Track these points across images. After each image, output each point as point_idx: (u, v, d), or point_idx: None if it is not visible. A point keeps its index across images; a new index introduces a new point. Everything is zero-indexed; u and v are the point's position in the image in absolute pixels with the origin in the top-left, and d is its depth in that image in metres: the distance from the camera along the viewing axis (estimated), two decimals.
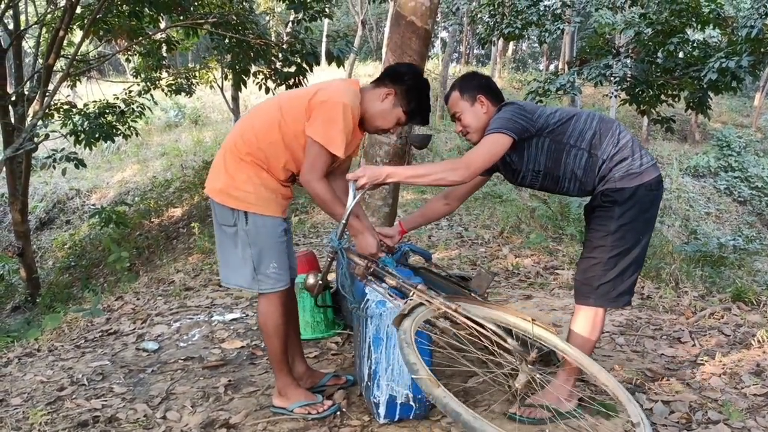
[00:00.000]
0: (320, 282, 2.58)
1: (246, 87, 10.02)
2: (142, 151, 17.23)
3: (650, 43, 9.30)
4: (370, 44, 33.14)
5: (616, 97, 11.40)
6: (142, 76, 11.12)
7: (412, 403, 2.42)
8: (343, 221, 2.33)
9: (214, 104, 20.68)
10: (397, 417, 2.43)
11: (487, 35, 13.15)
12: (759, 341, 3.20)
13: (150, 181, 15.10)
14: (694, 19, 10.11)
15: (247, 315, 4.17)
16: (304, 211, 9.32)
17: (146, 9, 8.52)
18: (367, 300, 2.46)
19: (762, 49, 8.39)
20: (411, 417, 2.44)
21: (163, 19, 10.54)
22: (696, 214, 18.47)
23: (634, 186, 2.34)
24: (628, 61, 9.72)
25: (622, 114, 21.93)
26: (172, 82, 12.07)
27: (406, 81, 2.46)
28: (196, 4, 9.33)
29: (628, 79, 9.57)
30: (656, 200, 2.42)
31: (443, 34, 34.50)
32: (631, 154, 2.39)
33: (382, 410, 2.41)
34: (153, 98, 10.96)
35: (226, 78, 12.87)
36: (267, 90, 9.37)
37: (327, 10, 10.68)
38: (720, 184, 21.08)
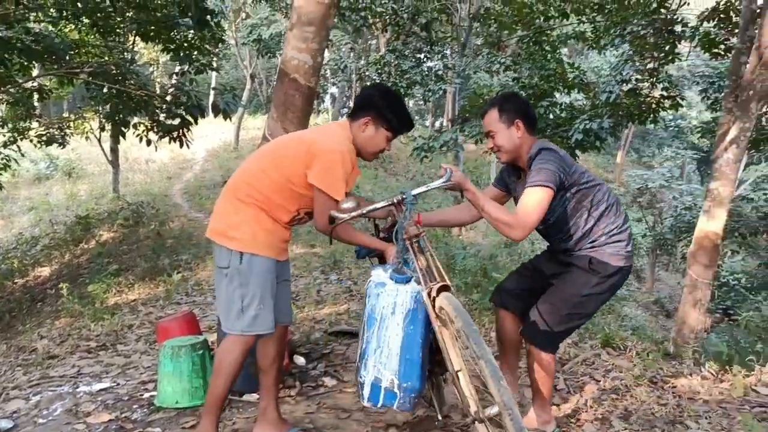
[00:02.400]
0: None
1: (125, 139, 9.59)
2: (7, 205, 15.91)
3: None
4: (260, 97, 33.10)
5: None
6: (9, 126, 10.36)
7: (396, 390, 2.34)
8: (425, 189, 2.49)
9: (91, 156, 19.66)
10: (380, 403, 2.37)
11: None
12: (626, 386, 3.39)
13: (15, 238, 13.89)
14: (561, 84, 11.03)
15: (118, 384, 3.85)
16: (187, 268, 8.91)
17: (15, 57, 8.01)
18: (370, 279, 2.50)
19: (620, 112, 9.27)
20: (394, 407, 2.38)
21: (35, 67, 9.95)
22: None
23: (617, 266, 2.56)
24: None
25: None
26: (43, 132, 11.34)
27: (375, 104, 2.59)
28: (72, 52, 8.91)
29: None
30: (621, 285, 2.68)
31: (333, 89, 35.20)
32: (626, 239, 2.61)
33: (366, 391, 2.37)
34: (20, 149, 10.20)
35: (103, 129, 12.27)
36: (148, 142, 9.02)
37: (214, 63, 10.60)
38: None
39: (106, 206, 14.90)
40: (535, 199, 2.40)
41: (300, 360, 3.87)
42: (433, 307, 2.29)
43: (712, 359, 4.01)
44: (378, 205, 2.49)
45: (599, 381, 3.52)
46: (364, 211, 2.45)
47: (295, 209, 2.57)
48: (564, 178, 2.50)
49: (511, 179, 2.82)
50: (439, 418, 2.72)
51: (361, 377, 2.40)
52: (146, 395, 3.52)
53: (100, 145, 14.88)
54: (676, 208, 19.73)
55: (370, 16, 13.94)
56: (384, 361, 2.35)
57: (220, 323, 3.41)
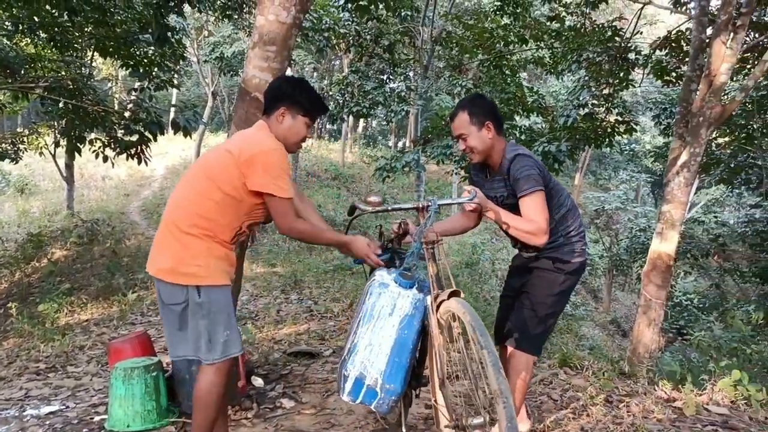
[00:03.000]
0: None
1: (81, 155, 9.37)
2: None
3: None
4: (221, 115, 32.81)
5: (456, 174, 12.19)
6: None
7: (378, 390, 2.35)
8: (450, 202, 2.69)
9: (45, 172, 19.14)
10: (359, 399, 2.39)
11: (338, 112, 13.60)
12: (582, 405, 3.43)
13: None
14: (520, 107, 11.27)
15: (67, 407, 3.71)
16: (143, 287, 8.70)
17: None
18: (373, 277, 2.53)
19: (577, 136, 9.51)
20: (372, 406, 2.40)
21: None
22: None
23: (579, 262, 2.80)
24: None
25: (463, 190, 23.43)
26: None
27: (286, 93, 2.58)
28: (27, 66, 8.70)
29: (467, 158, 10.29)
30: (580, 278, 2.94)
31: None
32: (582, 239, 2.84)
33: (348, 385, 2.38)
34: None
35: (58, 145, 11.97)
36: (105, 158, 8.82)
37: (174, 80, 10.49)
38: None
39: (59, 223, 14.48)
40: (536, 204, 2.61)
41: (258, 381, 3.80)
42: (436, 313, 2.36)
43: (666, 378, 4.09)
44: (404, 206, 2.66)
45: (557, 400, 3.56)
46: (389, 208, 2.63)
47: (239, 224, 2.50)
48: (543, 180, 2.67)
49: (479, 177, 2.95)
50: (403, 430, 2.74)
51: (346, 370, 2.40)
52: (96, 419, 3.41)
53: (55, 161, 14.50)
54: (631, 229, 20.25)
55: (333, 37, 14.03)
56: (372, 359, 2.37)
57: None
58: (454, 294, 2.31)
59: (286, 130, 2.58)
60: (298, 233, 2.54)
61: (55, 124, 11.53)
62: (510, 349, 2.83)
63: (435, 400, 2.47)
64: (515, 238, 2.83)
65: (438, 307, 2.35)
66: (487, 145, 2.72)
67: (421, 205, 2.55)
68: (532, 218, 2.60)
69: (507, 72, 11.61)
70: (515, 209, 2.70)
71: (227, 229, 2.48)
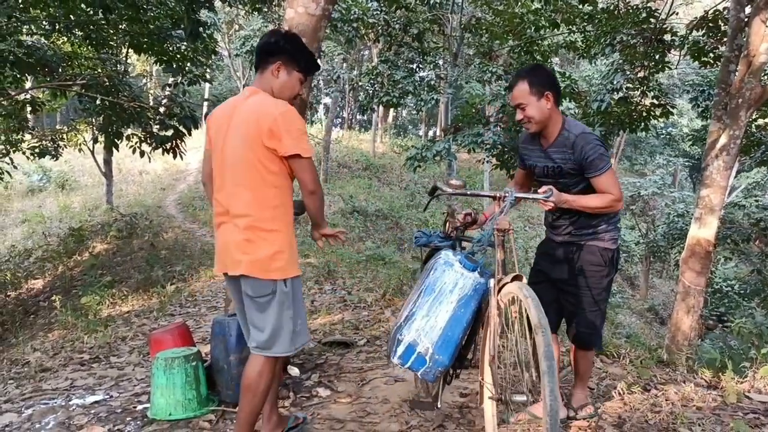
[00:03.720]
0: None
1: (118, 150, 9.59)
2: None
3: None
4: None
5: (488, 162, 12.09)
6: (2, 138, 10.34)
7: (428, 358, 2.49)
8: (527, 196, 2.66)
9: (84, 167, 19.62)
10: (408, 364, 2.52)
11: (368, 102, 13.59)
12: (619, 393, 3.39)
13: (7, 251, 13.81)
14: None
15: (111, 396, 3.83)
16: (181, 279, 8.89)
17: (7, 69, 8.01)
18: (439, 254, 2.69)
19: (612, 121, 9.33)
20: (419, 373, 2.53)
21: (27, 79, 9.95)
22: None
23: (615, 248, 2.88)
24: (498, 130, 10.39)
25: (495, 177, 23.30)
26: (36, 144, 11.31)
27: (283, 48, 2.57)
28: (64, 64, 8.91)
29: (498, 146, 10.21)
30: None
31: (326, 100, 35.32)
32: (617, 222, 2.89)
33: (400, 349, 2.52)
34: (12, 162, 10.18)
35: (96, 141, 12.26)
36: (142, 153, 9.02)
37: (207, 74, 10.63)
38: None
39: (99, 218, 14.86)
40: (612, 180, 2.73)
41: (294, 371, 3.86)
42: (497, 295, 2.47)
43: (705, 366, 4.02)
44: (482, 192, 2.84)
45: (593, 389, 3.53)
46: (468, 192, 2.80)
47: (283, 198, 2.53)
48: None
49: (529, 149, 2.96)
50: (438, 406, 2.85)
51: (400, 335, 2.54)
52: (139, 407, 3.50)
53: (93, 157, 14.87)
54: (668, 215, 19.84)
55: (362, 27, 14.01)
56: (427, 329, 2.51)
57: (214, 334, 3.43)
58: (516, 278, 2.40)
59: (281, 84, 2.57)
60: (321, 196, 2.57)
61: (93, 120, 11.81)
62: (573, 347, 3.01)
63: (482, 377, 2.62)
64: (558, 214, 2.89)
65: (500, 290, 2.45)
66: (546, 115, 2.73)
67: (499, 195, 2.61)
68: (609, 191, 2.70)
69: (538, 58, 11.42)
70: (567, 177, 2.80)
71: (286, 212, 2.54)
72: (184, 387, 3.26)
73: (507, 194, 2.58)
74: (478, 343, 2.82)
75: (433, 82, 13.90)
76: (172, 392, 3.23)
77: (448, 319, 2.51)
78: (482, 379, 2.62)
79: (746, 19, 5.58)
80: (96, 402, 3.73)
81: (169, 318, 6.52)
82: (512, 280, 2.40)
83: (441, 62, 16.82)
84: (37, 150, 11.32)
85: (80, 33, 8.57)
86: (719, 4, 8.48)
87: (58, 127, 17.06)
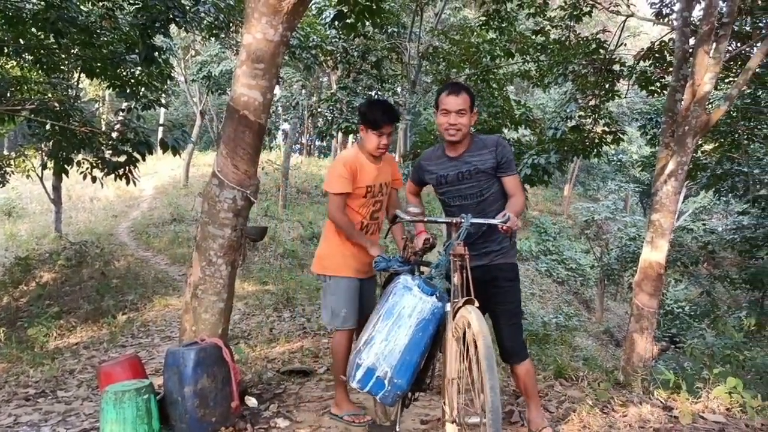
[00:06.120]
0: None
1: (68, 176, 9.31)
2: None
3: None
4: (210, 134, 32.80)
5: None
6: None
7: (386, 382, 2.55)
8: (482, 221, 2.76)
9: (32, 194, 18.97)
10: (367, 388, 2.59)
11: (327, 129, 13.62)
12: (579, 417, 3.41)
13: None
14: (508, 120, 11.33)
15: None
16: (134, 308, 8.62)
17: None
18: (398, 279, 2.76)
19: (566, 148, 9.56)
20: (378, 396, 2.61)
21: None
22: (522, 295, 19.94)
23: (515, 261, 3.13)
24: None
25: None
26: None
27: (361, 114, 3.39)
28: (13, 89, 8.66)
29: None
30: None
31: (285, 126, 35.18)
32: (515, 238, 3.06)
33: (359, 373, 2.59)
34: None
35: (45, 167, 11.89)
36: (93, 179, 8.78)
37: (162, 99, 10.47)
38: (541, 267, 23.10)
39: (47, 246, 14.34)
40: (519, 186, 3.11)
41: (251, 401, 3.76)
42: (454, 320, 2.56)
43: (660, 387, 4.08)
44: (438, 219, 3.00)
45: (553, 412, 3.54)
46: (424, 219, 3.00)
47: (359, 218, 3.44)
48: None
49: (436, 163, 3.20)
50: (397, 430, 2.96)
51: (360, 359, 2.62)
52: None
53: (42, 184, 14.40)
54: (621, 239, 20.32)
55: (320, 54, 14.10)
56: (386, 353, 2.58)
57: (167, 365, 3.33)
58: (468, 302, 2.48)
59: (365, 142, 3.39)
60: (336, 222, 3.37)
61: (42, 146, 11.48)
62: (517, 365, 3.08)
63: (444, 401, 2.69)
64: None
65: (455, 314, 2.54)
66: (468, 129, 3.05)
67: (455, 221, 2.74)
68: (519, 191, 3.05)
69: (494, 85, 11.68)
70: (482, 178, 3.06)
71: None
72: (135, 422, 3.13)
73: (463, 220, 2.68)
74: (436, 366, 2.86)
75: None
76: (123, 427, 3.09)
77: (407, 343, 2.57)
78: (444, 403, 2.65)
79: (691, 50, 5.82)
80: None
81: (120, 349, 6.31)
82: (464, 304, 2.47)
83: (399, 89, 17.03)
84: None
85: (30, 57, 8.36)
86: (665, 35, 8.85)
87: (5, 152, 16.51)
